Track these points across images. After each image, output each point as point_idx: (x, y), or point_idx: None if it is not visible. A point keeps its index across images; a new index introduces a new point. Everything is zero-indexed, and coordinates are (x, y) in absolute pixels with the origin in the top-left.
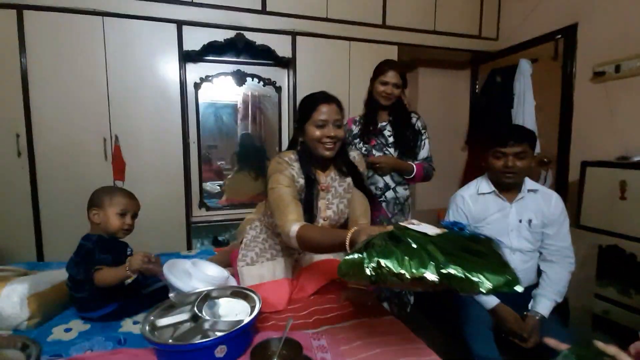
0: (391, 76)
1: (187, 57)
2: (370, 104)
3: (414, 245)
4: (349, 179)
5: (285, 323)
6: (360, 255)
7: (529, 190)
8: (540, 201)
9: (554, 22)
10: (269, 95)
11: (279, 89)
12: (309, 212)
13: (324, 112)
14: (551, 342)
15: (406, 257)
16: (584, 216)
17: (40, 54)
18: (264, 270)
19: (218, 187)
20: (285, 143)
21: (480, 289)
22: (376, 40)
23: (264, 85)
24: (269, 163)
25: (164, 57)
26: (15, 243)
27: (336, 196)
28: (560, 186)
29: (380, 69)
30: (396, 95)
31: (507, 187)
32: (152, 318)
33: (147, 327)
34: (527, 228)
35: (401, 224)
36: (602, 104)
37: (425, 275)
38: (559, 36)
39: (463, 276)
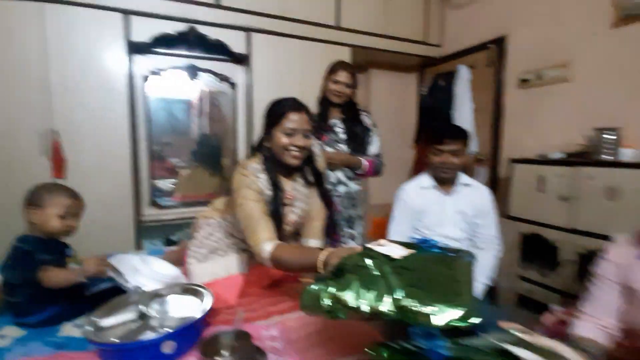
0: (343, 76)
1: (135, 48)
2: (323, 102)
3: (376, 273)
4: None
5: (239, 314)
6: (318, 287)
7: (463, 184)
8: (473, 194)
9: (488, 33)
10: (224, 92)
11: (234, 86)
12: (276, 221)
13: (293, 120)
14: (503, 324)
15: (364, 289)
16: (511, 207)
17: None
18: (217, 267)
19: (171, 185)
20: (241, 141)
21: (432, 323)
22: (330, 41)
23: (219, 81)
24: (224, 161)
25: (109, 48)
26: None
27: (299, 200)
28: (493, 181)
29: (333, 69)
30: (347, 94)
31: (445, 181)
32: (95, 319)
33: (89, 328)
34: (461, 218)
35: (368, 245)
36: (526, 108)
37: (379, 308)
38: (492, 46)
39: (418, 310)
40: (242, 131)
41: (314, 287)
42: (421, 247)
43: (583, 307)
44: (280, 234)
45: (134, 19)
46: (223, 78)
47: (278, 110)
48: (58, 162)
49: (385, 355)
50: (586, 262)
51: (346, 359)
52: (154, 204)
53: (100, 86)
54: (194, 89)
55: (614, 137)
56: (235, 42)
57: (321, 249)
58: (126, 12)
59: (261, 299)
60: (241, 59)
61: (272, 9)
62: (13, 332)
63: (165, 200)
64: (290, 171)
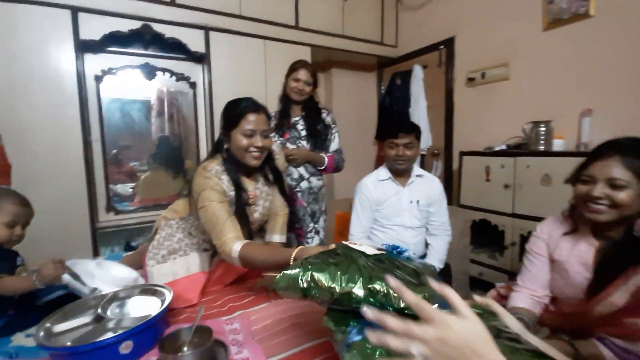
0: (303, 74)
1: (85, 47)
2: (285, 100)
3: (351, 262)
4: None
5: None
6: (297, 270)
7: (416, 176)
8: (425, 184)
9: (439, 34)
10: (184, 92)
11: (193, 85)
12: (241, 220)
13: (252, 121)
14: (477, 298)
15: (339, 272)
16: (462, 196)
17: None
18: (177, 267)
19: (130, 190)
20: (202, 141)
21: (401, 305)
22: (290, 40)
23: (177, 81)
24: (187, 162)
25: (58, 47)
26: None
27: (261, 199)
28: (447, 173)
29: (294, 67)
30: (308, 92)
31: (400, 173)
32: (47, 325)
33: (41, 334)
34: (416, 207)
35: (344, 242)
36: (474, 105)
37: (353, 290)
38: (442, 47)
39: (386, 291)
40: (203, 131)
41: (293, 270)
42: (392, 252)
43: (519, 280)
44: (246, 233)
45: (84, 16)
46: (181, 77)
47: (236, 112)
48: (1, 167)
49: (331, 320)
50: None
51: (306, 345)
52: (112, 209)
53: (49, 87)
54: (151, 89)
55: (546, 130)
56: (193, 40)
57: (292, 247)
58: (75, 9)
59: (224, 295)
60: (200, 58)
61: (230, 7)
62: None
63: (124, 205)
64: (251, 171)
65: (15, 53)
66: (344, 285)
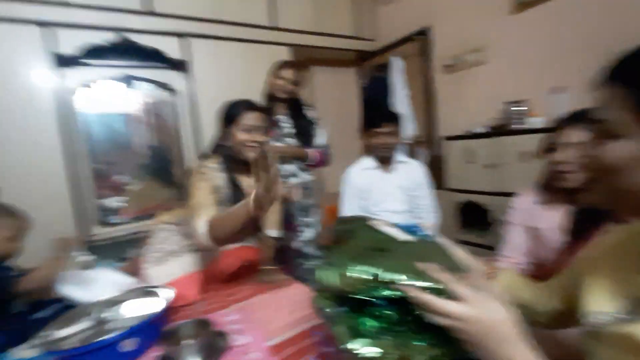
0: (288, 73)
1: (60, 61)
2: (269, 98)
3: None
4: None
5: (198, 310)
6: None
7: (399, 162)
8: (409, 169)
9: (415, 24)
10: (166, 101)
11: (175, 93)
12: None
13: (250, 117)
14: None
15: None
16: (448, 180)
17: None
18: (174, 267)
19: (119, 202)
20: (187, 148)
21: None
22: (268, 41)
23: (159, 90)
24: (174, 170)
25: (30, 63)
26: None
27: None
28: (432, 159)
29: (279, 66)
30: (292, 91)
31: (384, 161)
32: (47, 332)
33: (46, 339)
34: (401, 193)
35: (371, 222)
36: (453, 90)
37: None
38: (419, 36)
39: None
40: (188, 138)
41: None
42: (411, 230)
43: (500, 251)
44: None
45: (58, 30)
46: (162, 86)
47: (235, 110)
48: None
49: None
50: None
51: (305, 324)
52: (103, 222)
53: (23, 104)
54: (133, 100)
55: (522, 109)
56: (171, 48)
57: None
58: (45, 24)
59: (221, 291)
60: (179, 65)
61: (206, 13)
62: None
63: (115, 217)
64: (247, 168)
65: None
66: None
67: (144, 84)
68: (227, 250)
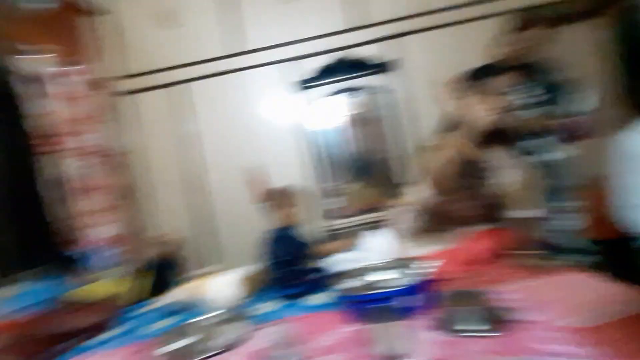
0: (522, 36)
1: (297, 88)
2: (503, 69)
3: None
4: None
5: (469, 280)
6: None
7: None
8: None
9: None
10: (382, 103)
11: (390, 93)
12: None
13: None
14: None
15: None
16: None
17: None
18: (431, 243)
19: (340, 204)
20: (401, 143)
21: None
22: (479, 17)
23: (375, 94)
24: (394, 165)
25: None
26: None
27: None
28: None
29: (511, 31)
30: (529, 55)
31: None
32: (338, 284)
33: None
34: None
35: None
36: None
37: None
38: None
39: None
40: (408, 132)
41: None
42: None
43: None
44: None
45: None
46: (378, 89)
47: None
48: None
49: None
50: None
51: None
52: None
53: (275, 132)
54: (351, 109)
55: None
56: (386, 52)
57: None
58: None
59: (484, 269)
60: (391, 66)
61: (419, 7)
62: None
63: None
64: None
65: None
66: None
67: (361, 91)
68: (480, 232)
